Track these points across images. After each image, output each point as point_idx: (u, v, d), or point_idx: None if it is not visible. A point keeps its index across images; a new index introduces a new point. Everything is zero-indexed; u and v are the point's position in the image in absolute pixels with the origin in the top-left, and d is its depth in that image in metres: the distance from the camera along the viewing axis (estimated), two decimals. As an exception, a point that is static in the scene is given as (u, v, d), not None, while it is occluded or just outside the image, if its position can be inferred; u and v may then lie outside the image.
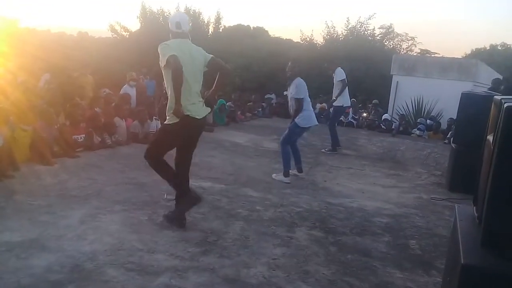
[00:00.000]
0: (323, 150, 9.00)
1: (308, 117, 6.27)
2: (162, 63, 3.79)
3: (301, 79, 6.23)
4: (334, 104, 9.07)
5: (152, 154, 4.05)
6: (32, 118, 5.94)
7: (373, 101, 15.51)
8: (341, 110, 9.41)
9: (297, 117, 6.21)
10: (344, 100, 8.99)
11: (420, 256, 3.88)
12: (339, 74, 8.82)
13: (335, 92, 8.86)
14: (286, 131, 6.33)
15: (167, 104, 3.92)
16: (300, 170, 6.46)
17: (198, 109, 3.93)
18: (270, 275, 3.20)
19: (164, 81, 3.96)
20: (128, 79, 9.87)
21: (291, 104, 6.35)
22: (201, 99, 3.99)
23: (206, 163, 6.61)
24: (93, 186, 4.97)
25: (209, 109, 4.08)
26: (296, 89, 6.17)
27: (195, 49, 4.02)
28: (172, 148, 4.09)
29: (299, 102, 6.19)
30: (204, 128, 4.23)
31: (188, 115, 3.82)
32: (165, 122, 3.99)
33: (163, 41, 3.90)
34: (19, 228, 3.58)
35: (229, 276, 3.11)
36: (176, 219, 3.96)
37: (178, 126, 3.84)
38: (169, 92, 3.87)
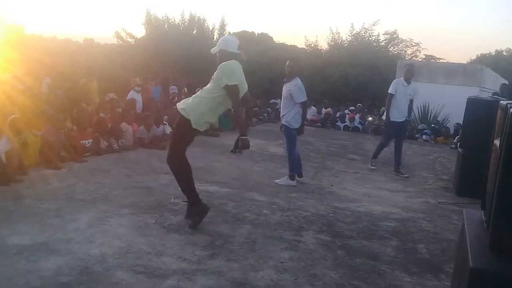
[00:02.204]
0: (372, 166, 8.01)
1: (298, 117, 6.12)
2: (224, 82, 3.92)
3: (299, 80, 6.09)
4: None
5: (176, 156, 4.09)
6: (40, 124, 5.99)
7: (382, 109, 15.49)
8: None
9: (285, 120, 6.13)
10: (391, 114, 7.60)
11: (429, 260, 3.87)
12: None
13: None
14: (285, 139, 6.30)
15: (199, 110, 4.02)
16: (300, 175, 6.43)
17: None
18: (277, 278, 3.20)
19: (205, 92, 4.10)
20: (133, 84, 9.92)
21: (285, 103, 6.19)
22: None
23: (212, 168, 6.63)
24: (101, 190, 5.00)
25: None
26: (298, 91, 6.02)
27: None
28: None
29: (305, 105, 6.16)
30: None
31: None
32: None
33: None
34: (29, 232, 3.60)
35: (236, 279, 3.12)
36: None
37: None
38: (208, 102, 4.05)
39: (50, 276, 2.89)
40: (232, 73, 3.97)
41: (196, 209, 4.07)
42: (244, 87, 4.18)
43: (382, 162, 8.81)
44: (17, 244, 3.33)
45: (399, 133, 7.77)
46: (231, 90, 3.93)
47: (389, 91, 7.57)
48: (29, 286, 2.75)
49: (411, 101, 7.64)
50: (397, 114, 7.55)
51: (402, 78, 7.70)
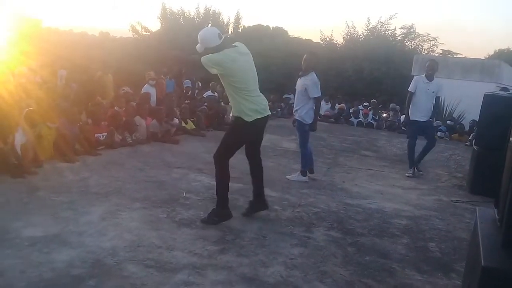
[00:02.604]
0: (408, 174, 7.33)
1: (311, 112, 6.06)
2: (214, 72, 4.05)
3: (315, 75, 6.01)
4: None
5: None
6: (55, 117, 6.06)
7: (391, 105, 15.35)
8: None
9: (298, 115, 6.09)
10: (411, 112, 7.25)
11: (440, 258, 3.84)
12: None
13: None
14: (298, 134, 6.26)
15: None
16: (311, 171, 6.41)
17: None
18: (287, 274, 3.20)
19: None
20: (147, 78, 9.99)
21: (299, 98, 6.13)
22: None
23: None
24: (114, 183, 5.05)
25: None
26: (313, 86, 5.94)
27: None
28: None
29: (319, 100, 6.10)
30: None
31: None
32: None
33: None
34: (42, 224, 3.67)
35: (246, 275, 3.13)
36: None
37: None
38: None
39: (62, 268, 2.94)
40: (209, 59, 3.99)
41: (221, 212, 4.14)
42: (248, 68, 4.18)
43: (394, 159, 8.76)
44: (31, 236, 3.39)
45: (427, 133, 7.40)
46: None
47: (408, 89, 7.22)
48: (42, 278, 2.80)
49: (436, 99, 7.21)
50: (418, 113, 7.10)
51: (424, 75, 7.24)
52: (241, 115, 4.09)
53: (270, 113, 4.34)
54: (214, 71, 4.02)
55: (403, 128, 13.46)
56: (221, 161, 4.14)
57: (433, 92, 7.13)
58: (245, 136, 4.24)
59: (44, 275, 2.83)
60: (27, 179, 4.89)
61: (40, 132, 5.65)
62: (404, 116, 13.95)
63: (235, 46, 4.17)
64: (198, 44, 4.13)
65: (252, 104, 4.10)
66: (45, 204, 4.15)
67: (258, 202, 4.43)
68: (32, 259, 3.04)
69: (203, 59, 4.00)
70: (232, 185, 5.45)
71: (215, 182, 4.22)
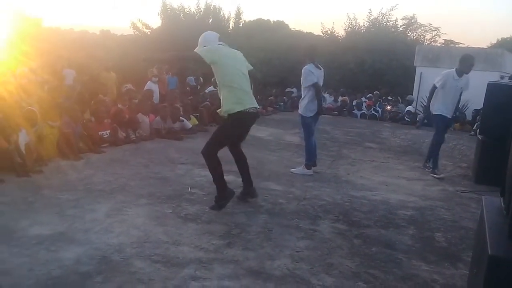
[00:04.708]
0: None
1: (310, 104, 6.08)
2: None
3: (309, 66, 6.01)
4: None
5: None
6: (57, 115, 6.08)
7: (389, 97, 15.34)
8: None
9: (300, 109, 6.16)
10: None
11: (446, 248, 3.83)
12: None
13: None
14: (301, 127, 6.29)
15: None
16: (314, 163, 6.38)
17: None
18: (293, 267, 3.21)
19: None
20: (150, 75, 9.99)
21: (301, 91, 6.24)
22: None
23: (227, 157, 6.61)
24: (118, 180, 5.06)
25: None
26: (304, 75, 6.01)
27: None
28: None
29: (316, 87, 6.01)
30: None
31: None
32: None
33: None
34: (48, 222, 3.68)
35: (253, 268, 3.13)
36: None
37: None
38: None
39: (69, 266, 2.95)
40: (205, 51, 4.26)
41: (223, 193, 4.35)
42: (238, 67, 4.38)
43: (398, 150, 8.74)
44: (38, 235, 3.40)
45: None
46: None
47: (435, 83, 6.72)
48: (50, 275, 2.81)
49: (460, 94, 6.80)
50: (445, 109, 6.66)
51: (454, 69, 6.69)
52: (227, 109, 4.31)
53: (256, 110, 4.46)
54: (208, 59, 4.22)
55: (406, 118, 13.45)
56: (209, 156, 4.30)
57: (461, 88, 6.73)
58: (232, 130, 4.44)
59: (52, 273, 2.84)
60: (32, 178, 4.91)
61: (41, 131, 5.66)
62: (409, 107, 14.01)
63: (232, 49, 4.52)
64: (197, 47, 4.41)
65: (236, 98, 4.29)
66: (51, 203, 4.16)
67: (248, 189, 4.69)
68: (40, 257, 3.05)
69: (198, 50, 4.30)
70: (237, 179, 5.46)
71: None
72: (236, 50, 4.55)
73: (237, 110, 4.24)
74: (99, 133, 6.79)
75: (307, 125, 6.17)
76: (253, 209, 4.42)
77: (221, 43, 4.44)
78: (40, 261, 2.98)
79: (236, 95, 4.28)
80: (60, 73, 10.34)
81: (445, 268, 3.42)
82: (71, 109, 6.40)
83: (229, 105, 4.29)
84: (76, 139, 6.16)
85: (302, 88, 6.19)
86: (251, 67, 4.61)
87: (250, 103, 4.35)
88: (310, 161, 6.18)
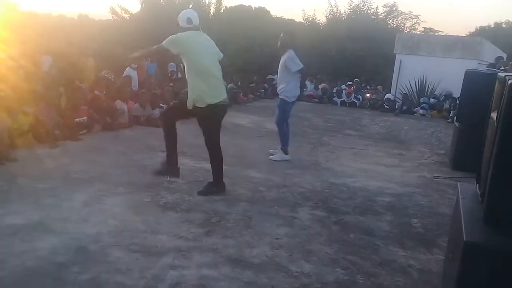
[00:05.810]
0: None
1: (295, 90, 6.14)
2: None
3: (293, 51, 6.07)
4: None
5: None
6: (33, 102, 5.92)
7: (372, 86, 15.45)
8: None
9: (282, 93, 6.15)
10: None
11: (423, 234, 3.89)
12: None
13: None
14: (277, 111, 6.27)
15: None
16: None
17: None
18: (273, 254, 3.22)
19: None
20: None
21: (281, 76, 6.22)
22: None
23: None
24: (96, 168, 4.98)
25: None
26: (291, 60, 6.02)
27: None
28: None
29: (302, 72, 6.12)
30: None
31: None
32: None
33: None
34: (23, 211, 3.59)
35: (232, 256, 3.13)
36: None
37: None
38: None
39: (45, 256, 2.90)
40: (171, 42, 4.24)
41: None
42: (207, 56, 4.33)
43: (377, 137, 8.82)
44: (12, 224, 3.32)
45: None
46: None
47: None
48: (25, 266, 2.75)
49: None
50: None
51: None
52: (198, 101, 4.25)
53: (226, 102, 4.45)
54: (174, 51, 4.25)
55: (386, 106, 13.57)
56: (213, 147, 4.40)
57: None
58: (213, 118, 4.35)
59: (27, 263, 2.78)
60: (6, 166, 4.78)
61: (16, 117, 5.51)
62: (388, 94, 14.14)
63: (202, 33, 4.42)
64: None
65: (209, 89, 4.23)
66: (26, 191, 4.07)
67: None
68: (14, 247, 2.98)
69: (164, 42, 4.27)
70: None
71: (211, 165, 4.49)
72: (207, 36, 4.46)
73: (211, 103, 4.21)
74: (76, 120, 6.65)
75: (285, 111, 6.20)
76: (233, 197, 4.41)
77: (190, 25, 4.33)
78: (14, 252, 2.92)
79: (210, 85, 4.23)
80: (38, 59, 10.07)
81: (422, 253, 3.48)
82: (47, 96, 6.25)
83: (200, 96, 4.22)
84: (52, 126, 6.03)
85: (283, 74, 6.16)
86: (221, 55, 4.55)
87: (223, 95, 4.33)
88: (287, 145, 6.19)
